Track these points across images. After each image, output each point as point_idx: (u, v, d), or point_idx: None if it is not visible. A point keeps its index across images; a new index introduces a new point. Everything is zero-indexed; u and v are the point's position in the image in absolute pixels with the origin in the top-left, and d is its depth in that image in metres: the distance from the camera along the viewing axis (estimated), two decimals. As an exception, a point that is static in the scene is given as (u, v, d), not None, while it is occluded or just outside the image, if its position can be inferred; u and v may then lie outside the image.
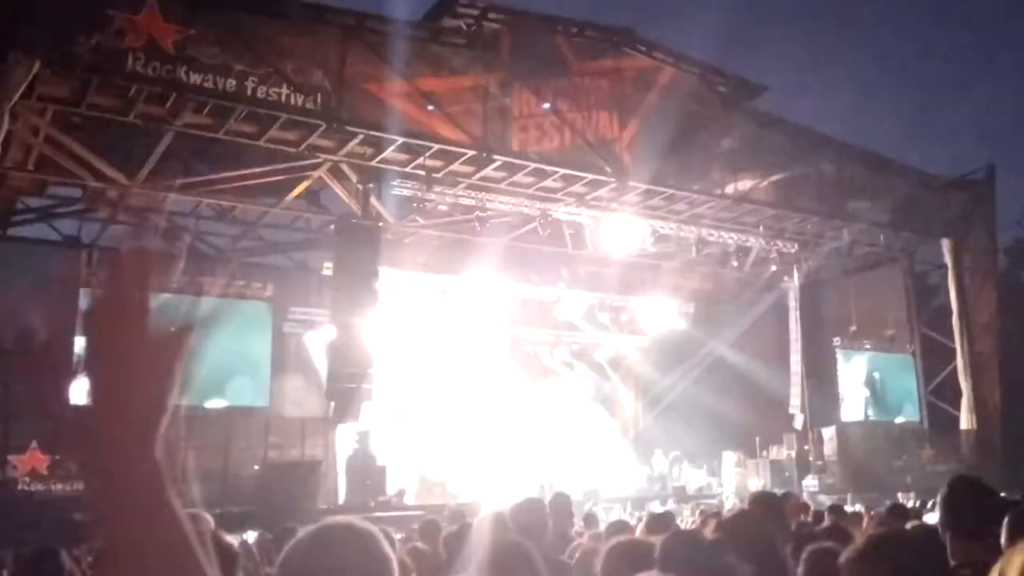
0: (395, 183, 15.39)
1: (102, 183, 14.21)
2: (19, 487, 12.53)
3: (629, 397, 22.66)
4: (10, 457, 12.70)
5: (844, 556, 2.31)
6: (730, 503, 15.69)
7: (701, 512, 11.32)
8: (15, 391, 13.14)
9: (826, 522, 6.48)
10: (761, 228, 19.17)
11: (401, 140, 14.43)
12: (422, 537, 6.47)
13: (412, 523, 8.65)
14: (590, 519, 8.92)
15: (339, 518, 1.67)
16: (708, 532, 4.39)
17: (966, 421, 19.97)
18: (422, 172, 15.24)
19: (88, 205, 15.95)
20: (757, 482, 18.49)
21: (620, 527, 6.07)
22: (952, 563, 2.79)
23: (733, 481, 19.29)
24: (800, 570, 2.95)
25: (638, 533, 5.38)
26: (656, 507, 14.25)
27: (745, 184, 18.26)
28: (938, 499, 3.22)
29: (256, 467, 14.60)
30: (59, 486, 12.70)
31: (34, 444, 12.83)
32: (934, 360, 21.28)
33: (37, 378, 1.06)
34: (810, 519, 7.37)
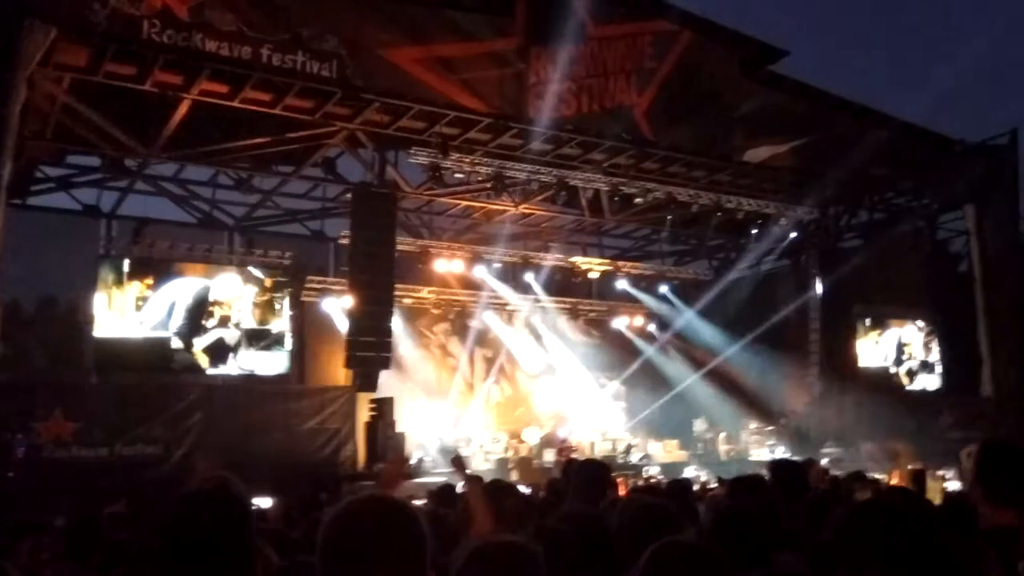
0: (411, 151, 15.30)
1: (120, 152, 14.23)
2: (43, 453, 12.71)
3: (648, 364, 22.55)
4: (34, 424, 12.85)
5: (827, 528, 2.15)
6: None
7: (719, 479, 11.37)
8: (36, 360, 13.30)
9: (856, 493, 6.48)
10: (780, 195, 18.98)
11: (417, 108, 14.33)
12: (440, 502, 6.51)
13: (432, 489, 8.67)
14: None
15: (380, 494, 1.70)
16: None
17: (987, 389, 19.83)
18: (438, 140, 15.15)
19: (107, 174, 16.01)
20: (776, 449, 18.49)
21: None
22: (981, 528, 2.70)
23: (751, 448, 19.29)
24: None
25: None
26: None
27: (765, 150, 18.05)
28: (968, 463, 3.03)
29: (276, 435, 14.67)
30: (83, 452, 12.90)
31: (58, 412, 12.98)
32: (955, 327, 21.08)
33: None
34: (828, 487, 7.35)
